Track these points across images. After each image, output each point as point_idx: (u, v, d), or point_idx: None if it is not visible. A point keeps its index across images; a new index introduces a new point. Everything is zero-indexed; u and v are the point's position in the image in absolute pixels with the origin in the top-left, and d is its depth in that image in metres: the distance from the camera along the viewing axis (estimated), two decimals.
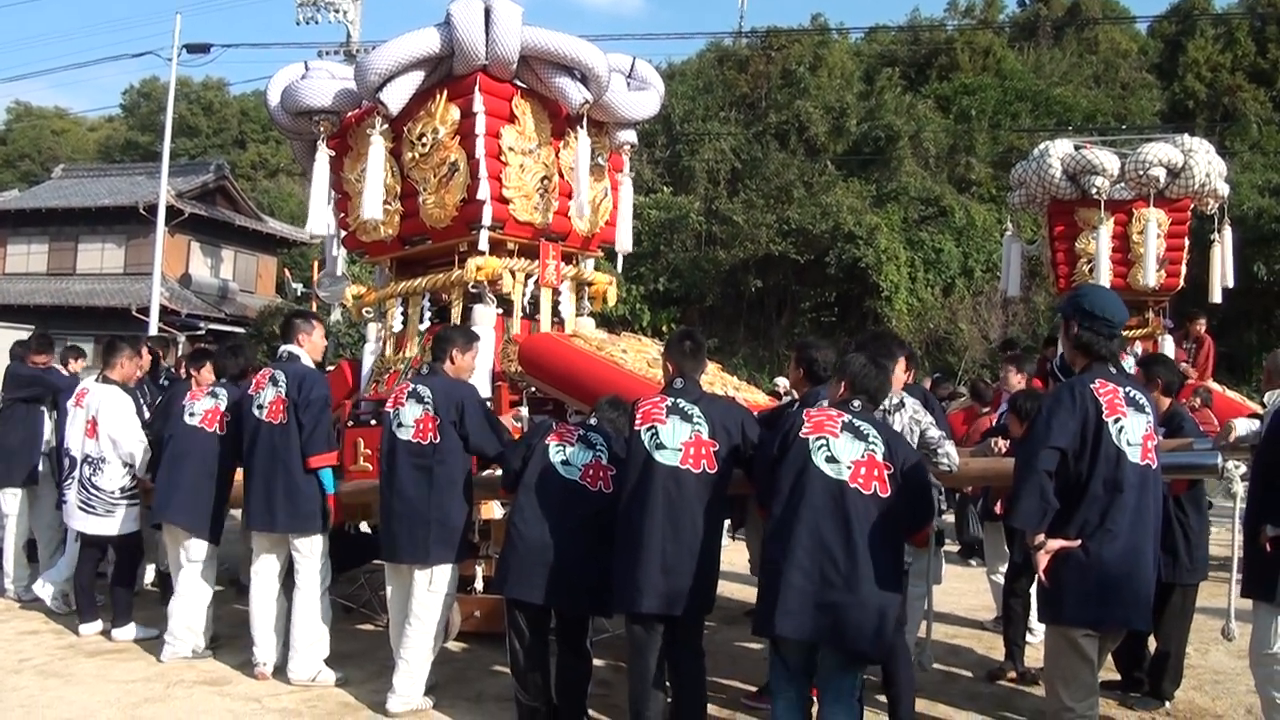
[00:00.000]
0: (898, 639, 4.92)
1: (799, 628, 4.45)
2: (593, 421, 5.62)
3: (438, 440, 5.74)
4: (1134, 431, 4.41)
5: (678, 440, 4.93)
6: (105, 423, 7.38)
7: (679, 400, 5.05)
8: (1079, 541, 4.38)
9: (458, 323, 7.30)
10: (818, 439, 4.57)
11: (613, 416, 5.62)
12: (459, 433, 5.76)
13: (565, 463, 5.36)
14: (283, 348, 6.78)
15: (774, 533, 4.63)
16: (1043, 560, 4.43)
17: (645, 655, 4.98)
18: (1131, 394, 4.49)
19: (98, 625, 7.41)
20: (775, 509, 4.64)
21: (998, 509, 7.50)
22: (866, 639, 4.42)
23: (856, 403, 4.71)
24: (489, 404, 6.96)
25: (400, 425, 5.82)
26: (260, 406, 6.42)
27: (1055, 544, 4.40)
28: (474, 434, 5.78)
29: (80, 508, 7.39)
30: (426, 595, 5.80)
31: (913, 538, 4.78)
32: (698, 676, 5.10)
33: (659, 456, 4.92)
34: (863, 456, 4.50)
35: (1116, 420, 4.38)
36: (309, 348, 6.72)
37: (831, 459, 4.51)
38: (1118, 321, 4.63)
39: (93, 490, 7.35)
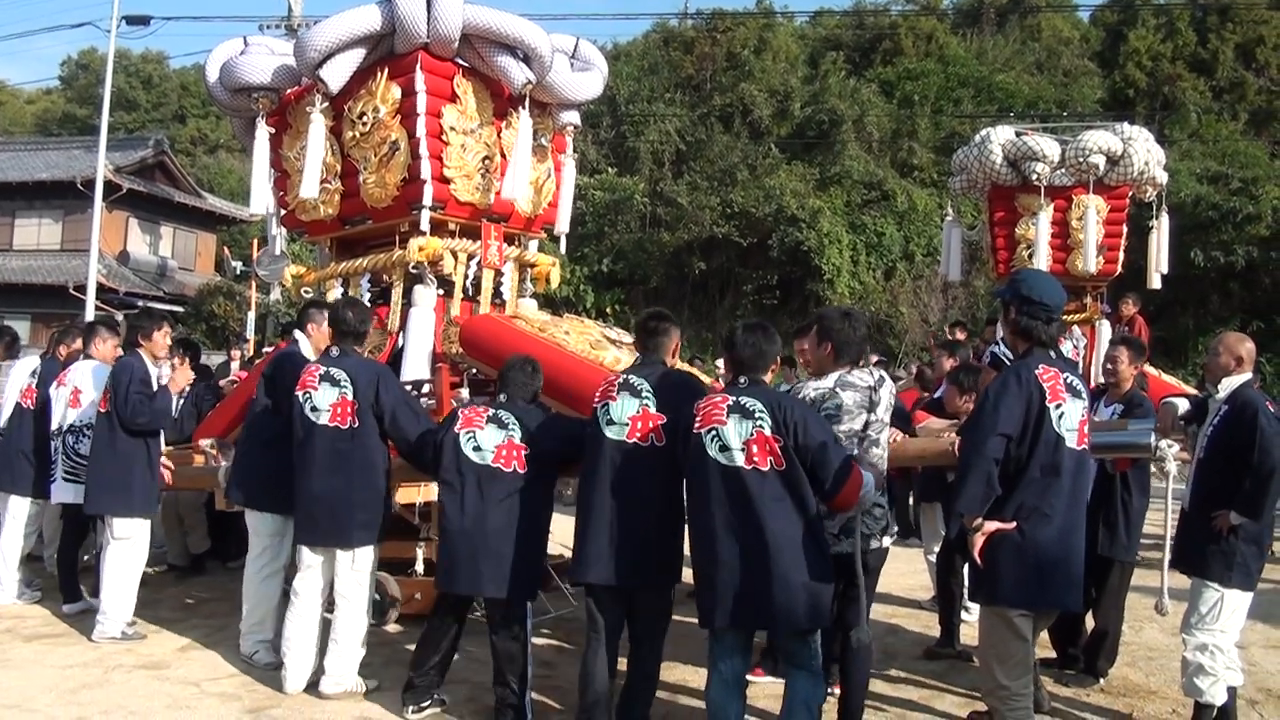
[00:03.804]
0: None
1: (731, 617, 4.53)
2: (503, 398, 5.51)
3: (357, 425, 5.70)
4: (1072, 417, 4.45)
5: (625, 415, 4.94)
6: (88, 394, 7.23)
7: (630, 376, 5.07)
8: (1014, 524, 4.43)
9: (396, 305, 7.29)
10: (709, 431, 4.57)
11: (521, 379, 5.55)
12: (375, 413, 5.71)
13: (477, 448, 5.32)
14: (296, 332, 6.82)
15: (693, 530, 4.72)
16: (978, 542, 4.46)
17: (597, 627, 5.00)
18: (1071, 380, 4.53)
19: (81, 605, 7.31)
20: (690, 507, 4.75)
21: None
22: (799, 615, 4.46)
23: (743, 380, 4.69)
24: (430, 386, 6.94)
25: (314, 409, 5.75)
26: None
27: (991, 526, 4.43)
28: (392, 413, 5.71)
29: (64, 478, 7.27)
30: (350, 575, 5.77)
31: (833, 503, 4.62)
32: (654, 646, 5.12)
33: (608, 432, 4.95)
34: (752, 434, 4.49)
35: (1058, 406, 4.42)
36: (315, 338, 6.64)
37: (724, 447, 4.52)
38: (1055, 306, 4.62)
39: (77, 459, 7.20)
